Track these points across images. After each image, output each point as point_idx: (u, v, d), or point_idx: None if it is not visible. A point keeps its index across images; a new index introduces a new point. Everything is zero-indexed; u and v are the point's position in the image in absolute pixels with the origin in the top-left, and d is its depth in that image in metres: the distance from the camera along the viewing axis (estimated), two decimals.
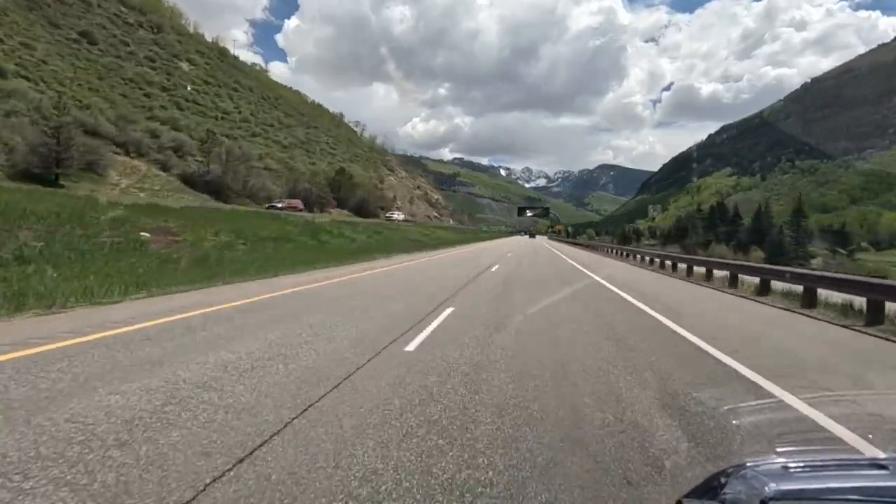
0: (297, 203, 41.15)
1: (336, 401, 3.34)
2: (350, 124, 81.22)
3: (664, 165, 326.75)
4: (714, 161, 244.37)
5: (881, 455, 1.04)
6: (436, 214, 68.26)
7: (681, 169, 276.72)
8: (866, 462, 1.00)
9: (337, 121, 79.25)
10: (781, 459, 1.00)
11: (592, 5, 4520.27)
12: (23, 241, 10.33)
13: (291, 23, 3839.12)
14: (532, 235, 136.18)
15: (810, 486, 0.91)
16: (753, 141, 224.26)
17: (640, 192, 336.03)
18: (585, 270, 17.91)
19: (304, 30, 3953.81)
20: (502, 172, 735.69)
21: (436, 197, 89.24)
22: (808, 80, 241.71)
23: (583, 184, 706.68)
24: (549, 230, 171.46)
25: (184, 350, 4.55)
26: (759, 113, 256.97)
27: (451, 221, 76.49)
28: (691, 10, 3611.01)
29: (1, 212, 11.97)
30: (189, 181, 36.30)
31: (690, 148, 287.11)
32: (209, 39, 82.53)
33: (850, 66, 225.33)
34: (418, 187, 76.16)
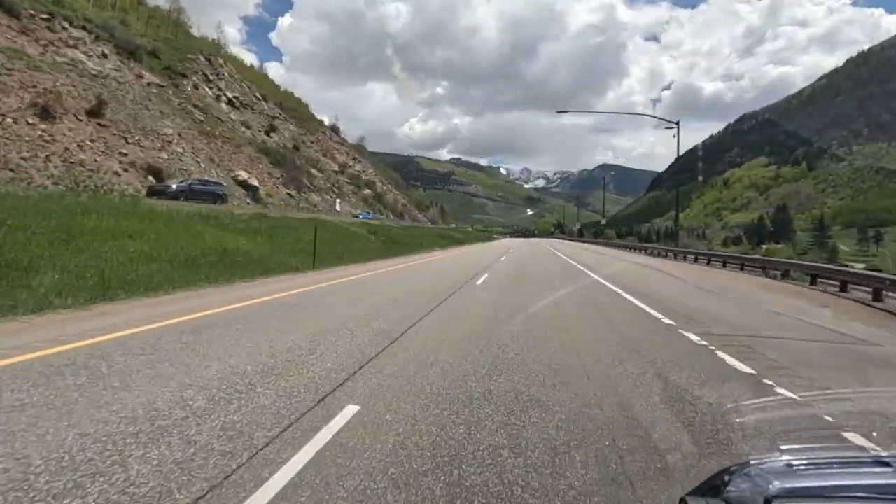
0: None
1: None
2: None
3: (677, 159, 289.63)
4: (743, 150, 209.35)
5: (885, 453, 0.98)
6: (287, 191, 32.16)
7: (698, 161, 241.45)
8: (870, 460, 0.98)
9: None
10: (785, 457, 0.98)
11: (592, 2, 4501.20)
12: None
13: (285, 20, 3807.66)
14: (529, 236, 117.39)
15: (814, 483, 0.89)
16: (794, 125, 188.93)
17: (650, 189, 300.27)
18: None
19: (298, 27, 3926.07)
20: (503, 171, 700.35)
21: (361, 169, 53.09)
22: (855, 55, 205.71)
23: (583, 184, 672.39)
24: (555, 229, 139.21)
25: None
26: (798, 93, 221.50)
27: (378, 215, 40.78)
28: (693, 6, 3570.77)
29: None
30: None
31: (711, 137, 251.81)
32: None
33: None
34: (320, 140, 40.32)
